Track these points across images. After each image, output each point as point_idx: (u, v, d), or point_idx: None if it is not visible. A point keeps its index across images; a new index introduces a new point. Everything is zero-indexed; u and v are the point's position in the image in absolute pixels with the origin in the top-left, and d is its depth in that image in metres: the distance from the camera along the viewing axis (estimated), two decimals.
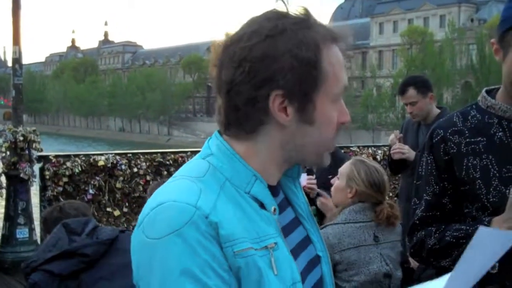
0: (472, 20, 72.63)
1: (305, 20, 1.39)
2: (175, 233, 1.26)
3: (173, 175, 1.45)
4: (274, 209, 1.41)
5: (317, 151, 1.47)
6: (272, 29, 1.36)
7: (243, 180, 1.39)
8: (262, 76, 1.35)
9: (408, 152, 5.27)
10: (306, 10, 1.42)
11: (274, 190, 1.47)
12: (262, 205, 1.40)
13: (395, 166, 5.57)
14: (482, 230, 1.71)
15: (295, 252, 1.45)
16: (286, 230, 1.46)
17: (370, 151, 9.79)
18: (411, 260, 3.78)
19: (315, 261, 1.57)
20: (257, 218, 1.37)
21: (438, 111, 5.38)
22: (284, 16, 1.39)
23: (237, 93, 1.37)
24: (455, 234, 2.25)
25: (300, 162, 1.51)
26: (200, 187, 1.34)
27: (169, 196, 1.33)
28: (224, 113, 1.42)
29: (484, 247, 1.73)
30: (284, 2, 1.43)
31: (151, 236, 1.29)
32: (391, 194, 10.08)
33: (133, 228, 3.81)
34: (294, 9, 1.41)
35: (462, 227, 2.25)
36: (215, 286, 1.25)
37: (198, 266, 1.25)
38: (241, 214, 1.34)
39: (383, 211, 3.46)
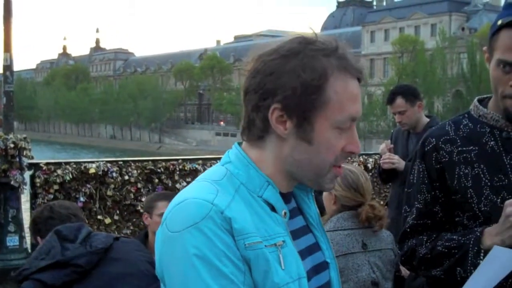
0: (463, 29, 72.99)
1: (327, 49, 1.52)
2: (194, 226, 1.41)
3: (196, 179, 1.59)
4: (285, 213, 1.56)
5: (315, 171, 1.57)
6: (289, 50, 1.51)
7: (256, 185, 1.54)
8: (266, 89, 1.51)
9: (398, 162, 5.29)
10: (337, 42, 1.54)
11: (285, 197, 1.60)
12: (273, 209, 1.54)
13: (386, 175, 5.59)
14: (496, 249, 1.72)
15: (302, 255, 1.56)
16: (294, 235, 1.59)
17: (361, 159, 9.80)
18: (402, 268, 3.79)
19: (323, 266, 1.69)
20: (268, 219, 1.51)
21: (427, 119, 5.40)
22: (308, 42, 1.53)
23: (249, 100, 1.55)
24: (447, 244, 2.25)
25: (300, 180, 1.61)
26: (218, 188, 1.49)
27: (190, 194, 1.49)
28: (243, 117, 1.60)
29: (496, 265, 1.75)
30: (313, 30, 1.59)
31: (173, 229, 1.45)
32: (382, 202, 10.10)
33: (124, 236, 3.78)
34: (325, 40, 1.54)
35: (454, 237, 2.25)
36: (230, 274, 1.40)
37: (215, 255, 1.40)
38: (254, 214, 1.49)
39: (361, 213, 3.46)
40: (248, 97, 1.55)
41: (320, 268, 1.67)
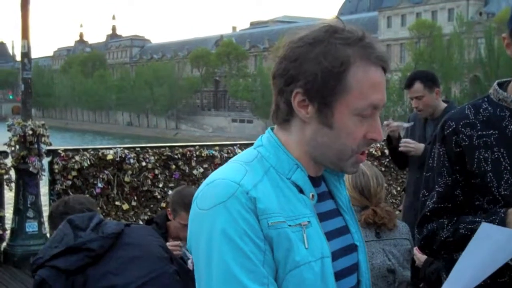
0: (480, 14, 72.27)
1: (351, 38, 1.57)
2: (221, 204, 1.50)
3: (229, 160, 1.67)
4: (312, 195, 1.62)
5: (337, 155, 1.62)
6: (315, 38, 1.57)
7: (285, 167, 1.61)
8: (290, 74, 1.57)
9: (414, 148, 5.26)
10: (363, 32, 1.59)
11: (315, 181, 1.67)
12: (301, 191, 1.60)
13: (400, 160, 5.58)
14: (484, 226, 1.70)
15: (329, 236, 1.62)
16: (323, 217, 1.65)
17: (378, 145, 9.77)
18: (415, 258, 3.77)
19: (351, 248, 1.74)
20: (295, 200, 1.57)
21: (445, 105, 5.36)
22: (335, 30, 1.58)
23: (275, 84, 1.63)
24: (469, 226, 2.24)
25: (323, 163, 1.67)
26: (247, 169, 1.57)
27: (220, 175, 1.57)
28: (273, 101, 1.67)
29: (488, 243, 1.71)
30: (340, 19, 1.63)
31: (202, 207, 1.54)
32: (399, 188, 10.08)
33: (141, 222, 3.79)
34: (352, 29, 1.59)
35: (477, 219, 2.23)
36: (250, 251, 1.47)
37: (237, 233, 1.47)
38: (281, 195, 1.55)
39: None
40: (274, 81, 1.63)
41: (348, 250, 1.72)
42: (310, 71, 1.55)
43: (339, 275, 1.63)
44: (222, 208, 1.49)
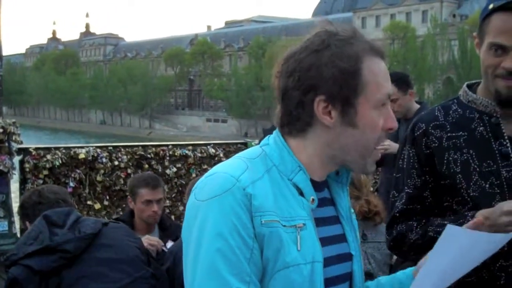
0: (454, 16, 72.96)
1: (350, 37, 1.62)
2: (216, 198, 1.53)
3: (234, 155, 1.69)
4: (313, 199, 1.63)
5: (360, 152, 1.65)
6: (319, 45, 1.60)
7: (288, 168, 1.63)
8: (308, 84, 1.60)
9: (389, 147, 5.29)
10: (353, 28, 1.66)
11: (318, 185, 1.68)
12: (301, 193, 1.62)
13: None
14: (450, 228, 1.70)
15: (323, 241, 1.63)
16: (321, 222, 1.66)
17: None
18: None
19: (346, 257, 1.74)
20: (293, 202, 1.59)
21: (418, 106, 5.43)
22: (332, 34, 1.62)
23: (289, 98, 1.63)
24: (438, 229, 2.25)
25: (344, 163, 1.69)
26: (248, 165, 1.60)
27: (222, 168, 1.61)
28: (280, 115, 1.68)
29: (454, 245, 1.71)
30: (331, 23, 1.66)
31: (199, 198, 1.57)
32: (371, 189, 10.12)
33: (113, 221, 3.74)
34: (343, 28, 1.64)
35: (445, 222, 2.24)
36: (236, 247, 1.49)
37: (227, 227, 1.50)
38: (279, 195, 1.58)
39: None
40: (288, 95, 1.63)
41: (342, 258, 1.72)
42: (329, 75, 1.57)
43: (330, 282, 1.64)
44: (216, 201, 1.52)
